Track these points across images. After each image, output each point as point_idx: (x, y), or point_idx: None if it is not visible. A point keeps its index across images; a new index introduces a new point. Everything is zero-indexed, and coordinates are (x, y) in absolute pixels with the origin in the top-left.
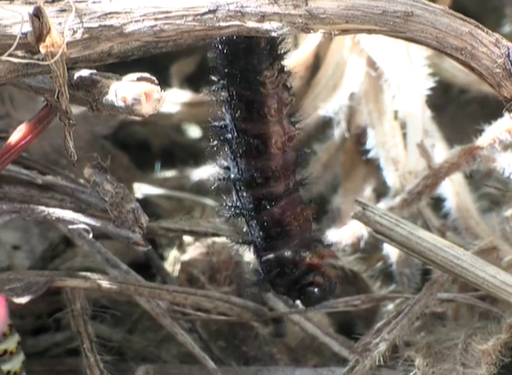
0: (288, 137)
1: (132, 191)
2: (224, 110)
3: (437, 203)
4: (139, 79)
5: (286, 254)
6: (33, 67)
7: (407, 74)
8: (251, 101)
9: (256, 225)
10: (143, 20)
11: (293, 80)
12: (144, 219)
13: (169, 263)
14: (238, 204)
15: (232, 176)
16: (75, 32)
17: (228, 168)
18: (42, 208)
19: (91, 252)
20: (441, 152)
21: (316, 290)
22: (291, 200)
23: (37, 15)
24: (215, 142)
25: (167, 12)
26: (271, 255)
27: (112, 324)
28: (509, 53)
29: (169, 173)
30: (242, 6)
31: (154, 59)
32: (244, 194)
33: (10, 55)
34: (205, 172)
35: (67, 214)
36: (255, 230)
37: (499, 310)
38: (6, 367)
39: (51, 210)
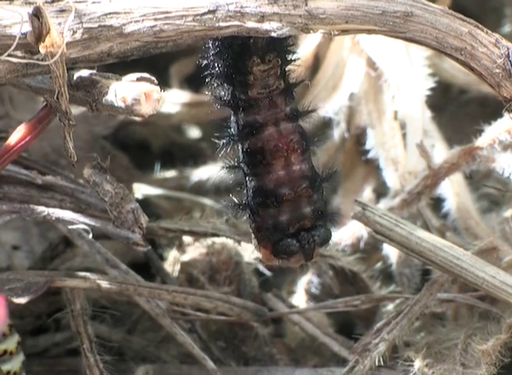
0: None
1: (131, 192)
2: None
3: (437, 203)
4: (138, 79)
5: (267, 182)
6: (33, 67)
7: (407, 74)
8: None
9: (243, 151)
10: (142, 20)
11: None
12: (144, 219)
13: (169, 263)
14: (231, 129)
15: (225, 98)
16: (74, 32)
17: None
18: (42, 208)
19: (91, 252)
20: (441, 153)
21: (293, 243)
22: (277, 130)
23: (37, 15)
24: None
25: (167, 12)
26: (254, 182)
27: (111, 324)
28: (508, 53)
29: (169, 174)
30: (241, 6)
31: (154, 59)
32: (232, 118)
33: (10, 55)
34: (205, 172)
35: (67, 214)
36: (243, 156)
37: (499, 310)
38: (6, 367)
39: (50, 210)
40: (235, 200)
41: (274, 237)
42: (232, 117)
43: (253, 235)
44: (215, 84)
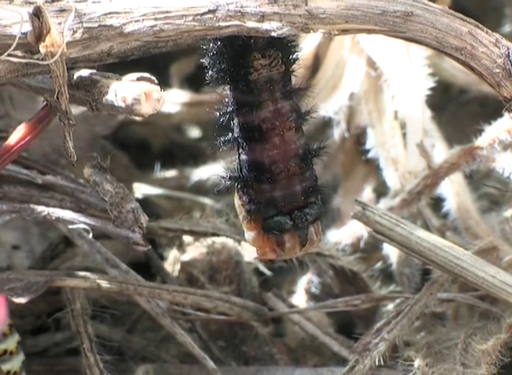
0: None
1: (132, 191)
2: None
3: (437, 203)
4: (139, 79)
5: (263, 158)
6: (33, 67)
7: (407, 74)
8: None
9: (239, 125)
10: (142, 20)
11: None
12: (144, 219)
13: (169, 263)
14: (228, 106)
15: (224, 77)
16: (75, 32)
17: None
18: (42, 208)
19: (91, 252)
20: (441, 152)
21: (285, 220)
22: (275, 109)
23: (37, 15)
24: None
25: (167, 12)
26: (249, 156)
27: (111, 324)
28: (509, 53)
29: (169, 173)
30: (242, 6)
31: (154, 59)
32: (229, 95)
33: (10, 54)
34: (205, 172)
35: (67, 214)
36: (240, 131)
37: (499, 310)
38: (6, 367)
39: (50, 210)
40: (227, 173)
41: (266, 212)
42: (230, 94)
43: (240, 211)
44: (216, 77)
